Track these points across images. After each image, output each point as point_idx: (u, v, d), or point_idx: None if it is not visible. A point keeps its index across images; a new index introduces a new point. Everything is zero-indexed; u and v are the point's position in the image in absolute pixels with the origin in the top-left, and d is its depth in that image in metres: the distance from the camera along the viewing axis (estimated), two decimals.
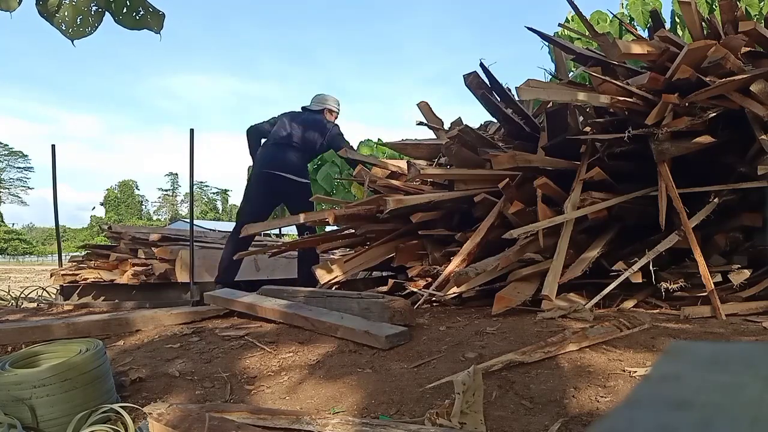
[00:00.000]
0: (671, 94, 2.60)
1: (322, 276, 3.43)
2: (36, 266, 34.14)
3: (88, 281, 4.83)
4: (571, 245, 2.73)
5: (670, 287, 2.54)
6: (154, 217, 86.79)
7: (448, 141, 3.40)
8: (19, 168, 76.89)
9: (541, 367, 1.83)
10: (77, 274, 4.90)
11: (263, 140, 4.45)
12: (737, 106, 2.59)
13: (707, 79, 2.59)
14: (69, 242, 45.98)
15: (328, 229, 4.73)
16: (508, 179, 2.94)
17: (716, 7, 4.39)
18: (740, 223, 2.78)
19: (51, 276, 5.17)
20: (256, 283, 3.96)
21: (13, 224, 74.22)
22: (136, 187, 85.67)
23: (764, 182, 2.53)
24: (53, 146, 5.08)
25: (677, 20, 8.05)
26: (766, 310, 2.40)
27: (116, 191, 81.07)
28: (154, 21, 2.25)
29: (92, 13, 2.16)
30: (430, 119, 4.36)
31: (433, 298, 2.95)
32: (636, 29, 6.83)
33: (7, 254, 61.47)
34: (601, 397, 1.59)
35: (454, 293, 2.84)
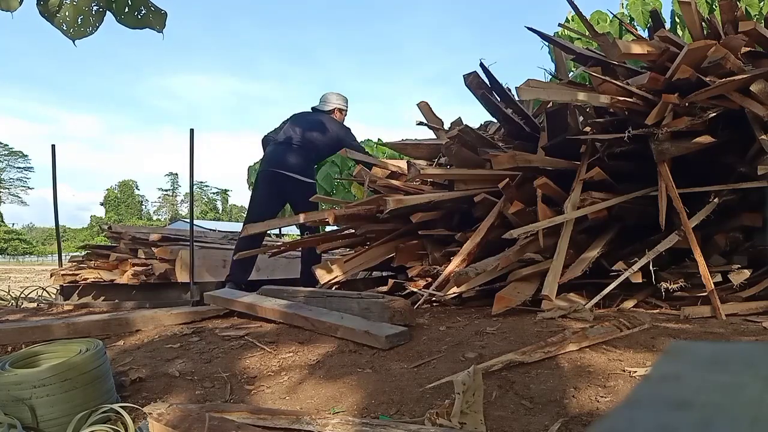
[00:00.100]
0: (671, 94, 2.60)
1: (322, 276, 3.43)
2: (36, 266, 34.14)
3: (88, 281, 4.83)
4: (571, 245, 2.73)
5: (670, 287, 2.54)
6: (154, 217, 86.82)
7: (448, 141, 3.40)
8: (19, 168, 76.96)
9: (541, 367, 1.83)
10: (77, 274, 4.90)
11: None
12: (737, 106, 2.59)
13: (707, 79, 2.59)
14: (69, 242, 45.99)
15: (328, 229, 4.73)
16: (508, 179, 2.94)
17: (716, 7, 4.39)
18: (740, 223, 2.78)
19: (51, 276, 5.17)
20: (256, 283, 3.96)
21: (13, 224, 74.28)
22: (136, 187, 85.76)
23: (764, 182, 2.53)
24: (53, 146, 5.08)
25: (677, 20, 8.05)
26: (766, 310, 2.40)
27: (116, 191, 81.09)
28: (156, 20, 2.25)
29: (93, 12, 2.16)
30: (430, 119, 4.36)
31: (433, 298, 2.95)
32: (636, 29, 6.83)
33: (7, 254, 61.47)
34: (601, 397, 1.60)
35: (454, 293, 2.84)
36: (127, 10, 2.21)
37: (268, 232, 5.23)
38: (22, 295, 5.53)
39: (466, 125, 3.41)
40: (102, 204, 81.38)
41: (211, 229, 6.67)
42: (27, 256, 63.28)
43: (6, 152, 75.11)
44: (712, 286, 2.42)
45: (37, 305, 4.89)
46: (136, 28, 2.24)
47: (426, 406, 1.64)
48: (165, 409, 1.59)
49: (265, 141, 4.57)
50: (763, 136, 2.53)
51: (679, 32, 7.65)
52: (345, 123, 4.63)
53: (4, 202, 76.14)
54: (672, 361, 0.37)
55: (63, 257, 5.25)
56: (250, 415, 1.57)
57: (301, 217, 3.70)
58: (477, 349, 2.06)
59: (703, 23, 3.08)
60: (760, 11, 7.56)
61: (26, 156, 77.83)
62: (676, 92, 2.62)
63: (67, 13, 2.13)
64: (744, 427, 0.27)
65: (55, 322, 2.87)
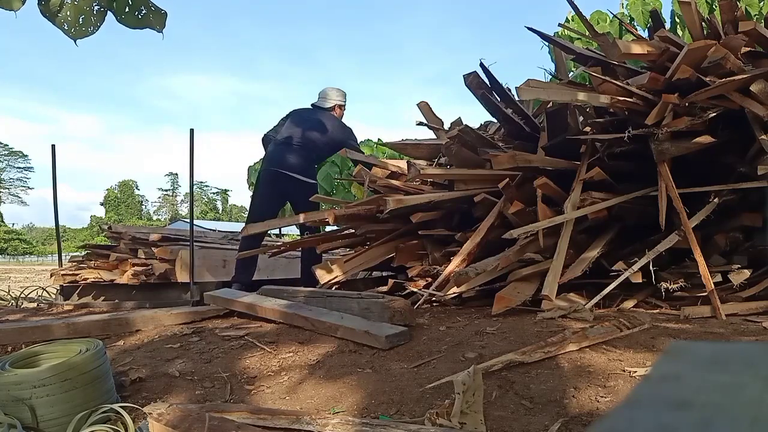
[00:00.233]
0: (671, 94, 2.60)
1: (322, 276, 3.43)
2: (36, 266, 34.14)
3: (88, 281, 4.83)
4: (571, 245, 2.73)
5: (670, 287, 2.54)
6: (154, 217, 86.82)
7: (448, 141, 3.40)
8: (19, 168, 76.97)
9: (541, 367, 1.83)
10: (77, 274, 4.90)
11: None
12: (737, 106, 2.59)
13: (707, 79, 2.59)
14: (69, 242, 45.99)
15: (328, 229, 4.73)
16: (508, 179, 2.94)
17: (716, 7, 4.39)
18: (740, 223, 2.78)
19: (51, 276, 5.17)
20: (256, 283, 3.96)
21: (13, 224, 74.28)
22: (136, 187, 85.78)
23: (764, 182, 2.53)
24: (53, 146, 5.07)
25: (677, 20, 8.05)
26: (766, 310, 2.40)
27: (116, 191, 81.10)
28: (156, 20, 2.25)
29: (94, 12, 2.16)
30: (430, 119, 4.36)
31: (433, 298, 2.95)
32: (636, 29, 6.83)
33: (7, 254, 61.47)
34: (601, 397, 1.60)
35: (454, 293, 2.84)
36: (127, 9, 2.21)
37: (269, 232, 5.23)
38: (22, 295, 5.53)
39: (466, 125, 3.41)
40: (102, 204, 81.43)
41: (211, 229, 6.66)
42: (27, 256, 63.29)
43: (6, 152, 75.14)
44: (712, 286, 2.42)
45: (37, 305, 4.89)
46: (137, 28, 2.25)
47: (426, 406, 1.64)
48: (165, 409, 1.59)
49: (266, 139, 4.55)
50: (763, 136, 2.53)
51: (679, 32, 7.65)
52: (346, 122, 4.62)
53: (4, 202, 76.20)
54: (672, 361, 0.37)
55: (63, 257, 5.25)
56: (250, 415, 1.57)
57: (301, 217, 3.71)
58: (477, 349, 2.06)
59: (703, 23, 3.08)
60: (760, 11, 7.56)
61: (26, 156, 77.93)
62: (676, 92, 2.62)
63: (68, 13, 2.13)
64: (744, 427, 0.27)
65: (55, 322, 2.87)
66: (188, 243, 4.16)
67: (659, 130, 2.59)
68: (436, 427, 1.44)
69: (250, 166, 10.98)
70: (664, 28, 3.44)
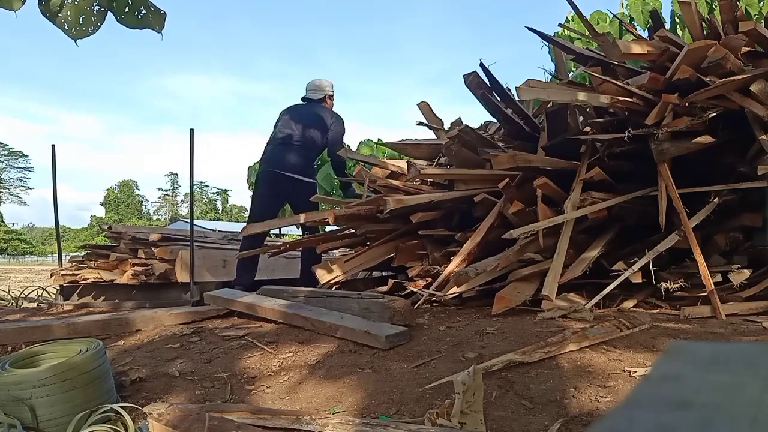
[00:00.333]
0: (671, 94, 2.60)
1: (322, 276, 3.43)
2: (36, 266, 34.13)
3: (88, 281, 4.83)
4: (571, 245, 2.73)
5: (670, 287, 2.54)
6: (154, 217, 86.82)
7: (448, 141, 3.40)
8: (19, 168, 76.96)
9: (541, 367, 1.83)
10: (77, 274, 4.90)
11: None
12: (737, 106, 2.59)
13: (707, 79, 2.59)
14: (69, 242, 45.98)
15: (328, 229, 4.72)
16: (508, 179, 2.94)
17: (716, 7, 4.39)
18: (740, 223, 2.78)
19: (51, 276, 5.17)
20: (256, 283, 3.96)
21: (13, 224, 74.27)
22: (136, 187, 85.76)
23: (764, 182, 2.53)
24: (53, 146, 5.07)
25: (677, 20, 8.05)
26: (766, 310, 2.40)
27: (116, 191, 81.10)
28: (155, 20, 2.25)
29: (94, 12, 2.17)
30: (430, 119, 4.36)
31: (433, 298, 2.95)
32: (636, 29, 6.83)
33: (7, 254, 61.46)
34: (601, 397, 1.60)
35: (454, 293, 2.84)
36: (127, 10, 2.21)
37: (270, 232, 5.22)
38: (22, 295, 5.53)
39: (466, 125, 3.41)
40: (102, 204, 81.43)
41: (211, 229, 6.66)
42: (27, 256, 63.28)
43: (6, 152, 75.14)
44: (712, 286, 2.42)
45: (37, 305, 4.89)
46: (136, 28, 2.25)
47: (426, 406, 1.64)
48: (165, 409, 1.59)
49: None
50: (763, 136, 2.53)
51: (679, 32, 7.65)
52: (336, 111, 4.55)
53: (4, 202, 76.20)
54: (672, 361, 0.37)
55: (63, 257, 5.25)
56: (250, 415, 1.57)
57: (302, 217, 3.70)
58: (477, 349, 2.06)
59: (703, 23, 3.08)
60: (759, 11, 7.56)
61: (26, 156, 77.92)
62: (676, 92, 2.62)
63: (68, 13, 2.13)
64: (744, 427, 0.27)
65: (55, 322, 2.87)
66: (188, 243, 4.17)
67: (659, 130, 2.59)
68: (436, 427, 1.44)
69: (250, 166, 10.98)
70: (664, 28, 3.44)
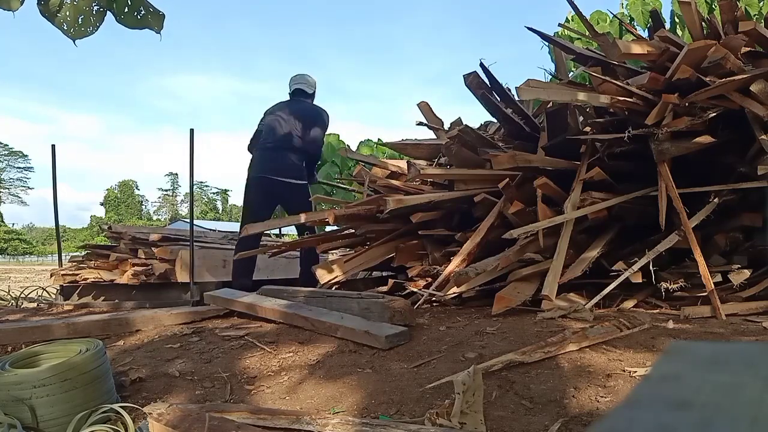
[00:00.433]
0: (671, 94, 2.60)
1: (322, 276, 3.43)
2: (36, 266, 34.13)
3: (88, 281, 4.83)
4: (571, 245, 2.73)
5: (670, 287, 2.54)
6: (154, 217, 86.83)
7: (448, 141, 3.40)
8: (19, 168, 76.96)
9: (541, 367, 1.83)
10: (77, 274, 4.89)
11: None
12: (737, 106, 2.59)
13: (707, 79, 2.59)
14: (69, 242, 45.98)
15: (328, 229, 4.72)
16: (508, 179, 2.94)
17: (716, 7, 4.39)
18: (740, 223, 2.78)
19: (51, 276, 5.17)
20: (256, 283, 3.96)
21: (13, 224, 74.29)
22: (136, 187, 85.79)
23: (764, 182, 2.53)
24: (53, 146, 5.07)
25: (677, 20, 8.05)
26: (766, 310, 2.40)
27: (116, 191, 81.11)
28: (154, 21, 2.25)
29: (94, 12, 2.17)
30: (430, 119, 4.36)
31: (433, 298, 2.95)
32: (636, 29, 6.83)
33: (7, 254, 61.46)
34: (601, 397, 1.60)
35: (454, 293, 2.84)
36: (126, 10, 2.21)
37: (270, 232, 5.22)
38: (22, 295, 5.53)
39: (466, 125, 3.41)
40: (102, 204, 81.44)
41: (211, 229, 6.66)
42: (27, 256, 63.28)
43: (6, 152, 75.13)
44: (712, 286, 2.42)
45: (37, 305, 4.89)
46: (136, 28, 2.25)
47: (426, 406, 1.64)
48: (165, 409, 1.59)
49: (252, 147, 4.41)
50: (763, 136, 2.53)
51: (679, 32, 7.66)
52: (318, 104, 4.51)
53: (4, 202, 76.19)
54: (672, 361, 0.37)
55: (63, 257, 5.25)
56: (250, 415, 1.57)
57: (302, 217, 3.70)
58: (477, 349, 2.06)
59: (703, 23, 3.08)
60: (759, 11, 7.56)
61: (26, 156, 77.93)
62: (676, 92, 2.62)
63: (67, 13, 2.13)
64: (744, 427, 0.27)
65: (55, 322, 2.87)
66: (188, 243, 4.17)
67: (659, 130, 2.59)
68: (436, 427, 1.44)
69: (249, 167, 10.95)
70: (664, 28, 3.44)
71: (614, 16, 8.16)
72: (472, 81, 3.46)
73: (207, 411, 1.55)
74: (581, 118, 3.25)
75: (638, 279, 2.62)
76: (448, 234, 3.32)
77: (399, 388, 1.82)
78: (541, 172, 2.98)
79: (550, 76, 4.89)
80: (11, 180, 76.93)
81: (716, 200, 2.66)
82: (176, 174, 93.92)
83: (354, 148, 10.52)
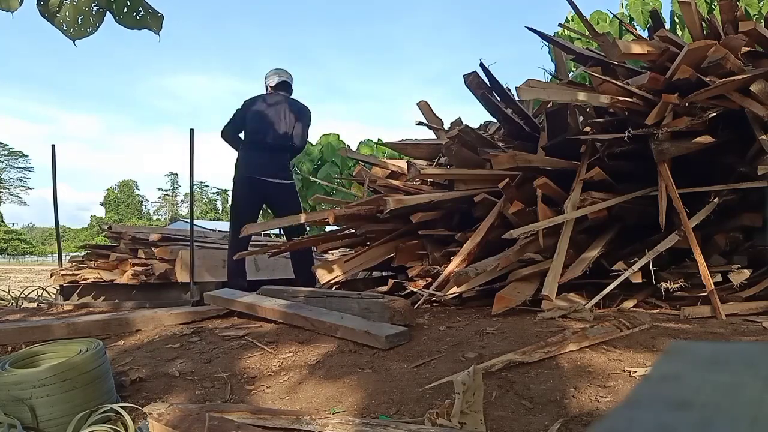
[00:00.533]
0: (671, 94, 2.60)
1: (322, 276, 3.43)
2: (36, 266, 34.13)
3: (88, 281, 4.83)
4: (571, 245, 2.73)
5: (670, 287, 2.54)
6: (154, 217, 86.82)
7: (448, 141, 3.40)
8: (19, 168, 76.96)
9: (541, 367, 1.83)
10: (77, 274, 4.89)
11: (242, 136, 4.23)
12: (737, 106, 2.59)
13: (707, 79, 2.59)
14: (69, 242, 45.97)
15: (328, 229, 4.72)
16: (508, 179, 2.94)
17: (716, 7, 4.39)
18: (740, 223, 2.78)
19: (51, 276, 5.17)
20: (256, 283, 3.95)
21: (13, 224, 74.29)
22: (136, 187, 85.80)
23: (764, 182, 2.53)
24: (53, 146, 5.07)
25: (677, 20, 8.06)
26: (766, 310, 2.40)
27: (116, 191, 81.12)
28: (153, 22, 2.25)
29: (93, 13, 2.17)
30: (430, 119, 4.36)
31: (433, 298, 2.95)
32: (636, 29, 6.83)
33: (7, 254, 61.47)
34: (601, 397, 1.60)
35: (454, 293, 2.84)
36: (125, 10, 2.21)
37: (270, 232, 5.21)
38: (22, 295, 5.53)
39: (466, 125, 3.41)
40: (102, 204, 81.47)
41: (211, 229, 6.66)
42: (27, 256, 63.28)
43: (6, 152, 75.13)
44: (712, 286, 2.42)
45: (37, 305, 4.89)
46: (135, 29, 2.25)
47: (426, 406, 1.64)
48: (165, 409, 1.59)
49: (229, 132, 4.23)
50: (763, 136, 2.53)
51: (679, 32, 7.66)
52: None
53: (4, 202, 76.19)
54: (672, 361, 0.37)
55: (63, 257, 5.25)
56: (250, 415, 1.57)
57: (302, 217, 3.71)
58: (477, 349, 2.06)
59: (703, 23, 3.08)
60: (759, 11, 7.57)
61: (26, 156, 77.93)
62: (676, 92, 2.62)
63: (67, 13, 2.13)
64: (744, 427, 0.27)
65: (55, 322, 2.87)
66: (188, 243, 4.16)
67: (659, 130, 2.59)
68: (436, 427, 1.44)
69: None
70: (664, 28, 3.44)
71: (614, 16, 8.17)
72: (472, 81, 3.46)
73: (207, 411, 1.55)
74: (581, 118, 3.25)
75: (638, 279, 2.62)
76: (448, 234, 3.32)
77: (399, 388, 1.82)
78: (541, 172, 2.98)
79: (550, 76, 4.90)
80: (11, 180, 76.95)
81: (716, 200, 2.66)
82: (176, 174, 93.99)
83: (354, 148, 10.52)
